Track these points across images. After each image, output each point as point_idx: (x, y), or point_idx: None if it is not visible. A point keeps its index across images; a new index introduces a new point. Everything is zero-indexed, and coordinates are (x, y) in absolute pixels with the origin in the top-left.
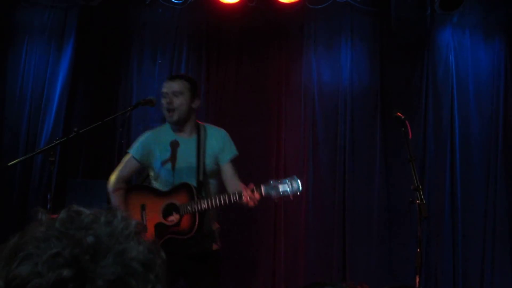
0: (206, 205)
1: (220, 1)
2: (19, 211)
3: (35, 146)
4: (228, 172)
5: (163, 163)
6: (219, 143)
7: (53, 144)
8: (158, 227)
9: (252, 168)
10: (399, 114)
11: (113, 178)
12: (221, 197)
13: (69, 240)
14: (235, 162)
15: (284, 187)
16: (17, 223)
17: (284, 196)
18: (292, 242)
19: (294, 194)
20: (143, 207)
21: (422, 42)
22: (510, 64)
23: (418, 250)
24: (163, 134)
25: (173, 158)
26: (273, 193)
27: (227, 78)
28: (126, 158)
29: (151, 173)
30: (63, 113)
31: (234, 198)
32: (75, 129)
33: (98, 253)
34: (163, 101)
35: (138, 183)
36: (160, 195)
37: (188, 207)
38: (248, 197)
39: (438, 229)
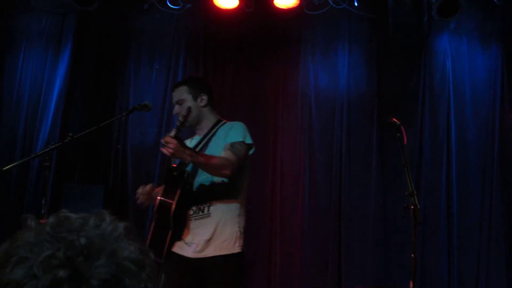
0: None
1: (217, 7)
2: (15, 216)
3: (31, 150)
4: (223, 151)
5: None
6: (226, 133)
7: (48, 149)
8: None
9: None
10: (394, 119)
11: None
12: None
13: (62, 243)
14: (239, 146)
15: (223, 128)
16: (13, 228)
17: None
18: (288, 247)
19: (187, 111)
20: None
21: (419, 48)
22: (507, 70)
23: (412, 255)
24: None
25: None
26: (175, 128)
27: (224, 83)
28: None
29: None
30: (60, 118)
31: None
32: (71, 134)
33: (91, 254)
34: (174, 110)
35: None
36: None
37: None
38: (163, 148)
39: (434, 234)
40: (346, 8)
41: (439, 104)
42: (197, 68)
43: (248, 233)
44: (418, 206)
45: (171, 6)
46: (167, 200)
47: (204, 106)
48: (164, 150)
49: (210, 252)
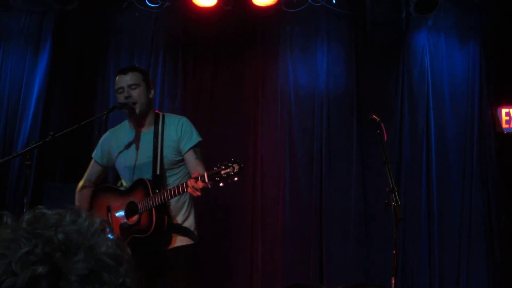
0: (159, 199)
1: (196, 5)
2: None
3: (12, 149)
4: (190, 161)
5: (124, 161)
6: (177, 132)
7: (29, 148)
8: (122, 227)
9: None
10: (374, 116)
11: (80, 183)
12: (172, 189)
13: (39, 239)
14: (198, 149)
15: (227, 171)
16: None
17: (229, 178)
18: (269, 244)
19: (237, 175)
20: (108, 209)
21: (397, 45)
22: (485, 67)
23: (394, 252)
24: (121, 132)
25: (132, 154)
26: (216, 178)
27: (204, 81)
28: (91, 163)
29: (118, 173)
30: (40, 117)
31: (183, 188)
32: (51, 133)
33: (69, 250)
34: (120, 97)
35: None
36: (123, 194)
37: (145, 204)
38: (191, 187)
39: (414, 231)
40: (324, 5)
41: (418, 100)
42: (176, 66)
43: (229, 231)
44: (399, 203)
45: (149, 4)
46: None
47: (152, 100)
48: (193, 193)
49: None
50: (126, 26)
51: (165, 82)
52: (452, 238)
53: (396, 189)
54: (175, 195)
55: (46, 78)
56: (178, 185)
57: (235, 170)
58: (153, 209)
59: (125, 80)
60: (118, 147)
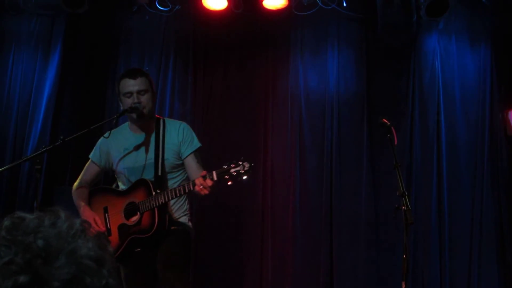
0: (163, 199)
1: (206, 8)
2: None
3: (22, 153)
4: (190, 165)
5: (124, 163)
6: (179, 136)
7: (39, 152)
8: (121, 228)
9: None
10: (385, 120)
11: (76, 183)
12: (176, 188)
13: (19, 247)
14: (198, 154)
15: (236, 169)
16: None
17: (238, 177)
18: (279, 248)
19: (247, 173)
20: (105, 210)
21: (408, 48)
22: (496, 69)
23: (404, 256)
24: (120, 134)
25: (133, 157)
26: (225, 176)
27: (214, 84)
28: (87, 164)
29: (115, 175)
30: (50, 120)
31: (188, 187)
32: (62, 137)
33: (50, 255)
34: (128, 101)
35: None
36: (121, 195)
37: (147, 204)
38: (200, 185)
39: (425, 234)
40: (335, 8)
41: (429, 104)
42: (186, 69)
43: (239, 235)
44: (409, 207)
45: (160, 8)
46: (161, 226)
47: (155, 104)
48: (201, 191)
49: None
50: (137, 29)
51: (175, 86)
52: (463, 243)
53: (406, 193)
54: (180, 195)
55: (56, 81)
56: (184, 184)
57: (245, 169)
58: (156, 209)
59: (135, 84)
60: (118, 150)
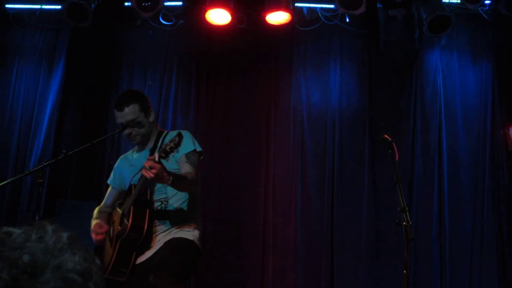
0: (133, 194)
1: (210, 23)
2: None
3: (24, 167)
4: (180, 165)
5: (132, 181)
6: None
7: (41, 165)
8: (118, 236)
9: (241, 188)
10: (386, 136)
11: (96, 209)
12: (136, 183)
13: (5, 262)
14: (193, 156)
15: (168, 138)
16: None
17: (175, 148)
18: (281, 264)
19: (178, 137)
20: (112, 223)
21: (410, 64)
22: (497, 85)
23: (405, 271)
24: (129, 155)
25: (137, 173)
26: (162, 154)
27: (217, 99)
28: (108, 190)
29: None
30: (53, 133)
31: (145, 177)
32: (64, 151)
33: (36, 271)
34: (127, 133)
35: None
36: (120, 206)
37: (128, 204)
38: (145, 171)
39: (426, 249)
40: (338, 24)
41: (431, 119)
42: (189, 83)
43: (241, 249)
44: (410, 223)
45: (163, 22)
46: (139, 222)
47: (152, 122)
48: (146, 173)
49: None
50: (140, 43)
51: (178, 100)
52: (464, 258)
53: (407, 209)
54: (140, 186)
55: (59, 95)
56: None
57: (176, 141)
58: (131, 207)
59: (122, 116)
60: (126, 169)
